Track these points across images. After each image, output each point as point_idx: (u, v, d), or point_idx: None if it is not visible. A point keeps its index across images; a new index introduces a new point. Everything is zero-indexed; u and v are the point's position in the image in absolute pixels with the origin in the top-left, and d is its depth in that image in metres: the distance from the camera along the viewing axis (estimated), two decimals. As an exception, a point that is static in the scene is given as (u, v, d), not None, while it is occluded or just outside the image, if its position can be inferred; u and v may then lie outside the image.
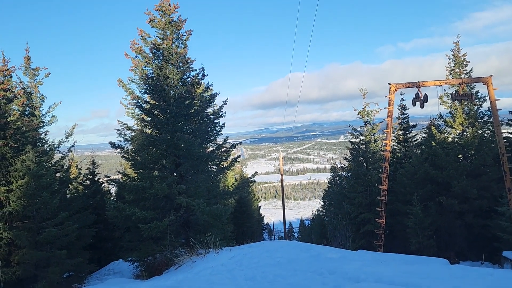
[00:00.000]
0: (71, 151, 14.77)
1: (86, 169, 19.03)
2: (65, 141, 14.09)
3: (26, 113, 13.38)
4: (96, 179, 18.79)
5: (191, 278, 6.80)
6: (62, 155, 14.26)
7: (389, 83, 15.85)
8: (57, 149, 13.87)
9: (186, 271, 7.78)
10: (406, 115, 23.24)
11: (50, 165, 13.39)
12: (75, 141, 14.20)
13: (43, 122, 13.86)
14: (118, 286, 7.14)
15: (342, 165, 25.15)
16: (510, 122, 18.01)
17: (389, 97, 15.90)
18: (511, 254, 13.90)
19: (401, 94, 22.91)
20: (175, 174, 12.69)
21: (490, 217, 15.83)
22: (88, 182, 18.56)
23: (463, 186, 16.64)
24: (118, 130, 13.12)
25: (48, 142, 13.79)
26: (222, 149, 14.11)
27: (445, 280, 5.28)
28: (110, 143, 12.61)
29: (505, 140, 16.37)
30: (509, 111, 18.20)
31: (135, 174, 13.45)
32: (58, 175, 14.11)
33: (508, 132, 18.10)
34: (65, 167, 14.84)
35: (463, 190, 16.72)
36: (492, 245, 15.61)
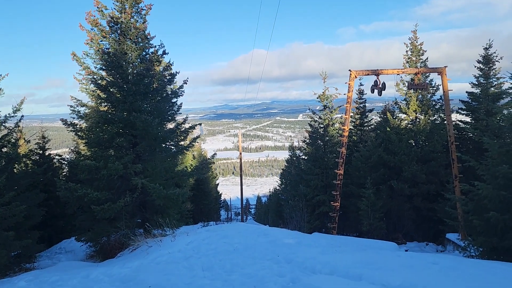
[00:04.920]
0: (19, 126, 13.84)
1: (36, 144, 17.95)
2: (13, 116, 13.16)
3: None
4: (46, 153, 17.84)
5: (147, 266, 6.69)
6: (9, 130, 13.35)
7: (349, 70, 16.06)
8: (4, 124, 12.95)
9: (142, 257, 7.65)
10: (363, 100, 23.80)
11: (-5, 140, 12.53)
12: (22, 116, 13.31)
13: (-13, 94, 12.82)
14: (69, 273, 6.90)
15: (301, 146, 25.52)
16: (459, 111, 18.90)
17: (349, 84, 16.14)
18: (453, 236, 14.93)
19: (360, 79, 23.36)
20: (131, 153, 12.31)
21: (437, 201, 16.75)
22: (38, 157, 17.57)
23: (413, 171, 17.45)
24: (71, 106, 12.45)
25: (-7, 115, 12.80)
26: (182, 129, 13.79)
27: (395, 270, 5.54)
28: (62, 120, 11.95)
29: (455, 131, 17.19)
30: (459, 100, 19.07)
31: (89, 152, 12.89)
32: (4, 150, 13.23)
33: (457, 120, 19.02)
34: (13, 141, 13.89)
35: (413, 175, 17.56)
36: (437, 227, 16.60)
